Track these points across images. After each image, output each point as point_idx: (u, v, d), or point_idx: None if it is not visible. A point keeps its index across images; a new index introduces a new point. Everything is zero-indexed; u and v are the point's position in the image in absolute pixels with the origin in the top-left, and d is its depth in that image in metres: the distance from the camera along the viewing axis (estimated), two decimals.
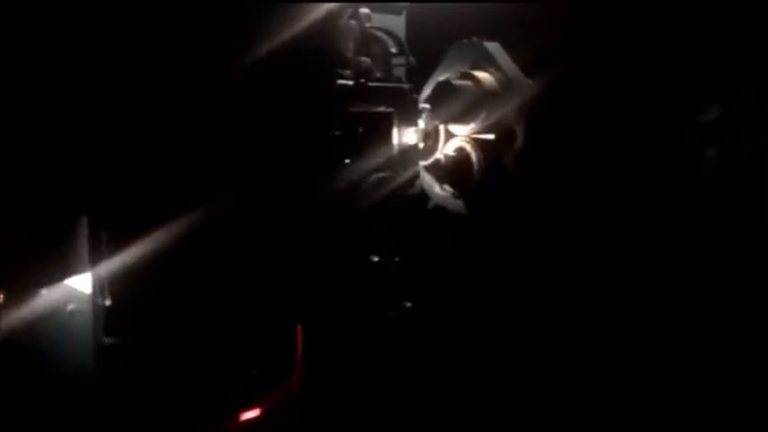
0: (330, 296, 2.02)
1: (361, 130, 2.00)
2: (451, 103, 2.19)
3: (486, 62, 2.27)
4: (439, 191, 2.37)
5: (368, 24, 2.24)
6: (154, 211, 1.65)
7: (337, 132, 1.95)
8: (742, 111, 2.07)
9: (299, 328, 1.98)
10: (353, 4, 2.11)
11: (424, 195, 2.38)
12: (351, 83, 2.00)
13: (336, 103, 1.95)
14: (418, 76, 2.39)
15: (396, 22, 2.47)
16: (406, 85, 2.20)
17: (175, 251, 1.64)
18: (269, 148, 1.86)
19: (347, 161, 2.01)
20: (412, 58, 2.28)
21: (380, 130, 2.07)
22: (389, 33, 2.27)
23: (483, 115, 2.21)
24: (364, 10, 2.25)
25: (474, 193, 2.29)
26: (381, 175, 2.02)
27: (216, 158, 1.76)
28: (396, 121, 2.11)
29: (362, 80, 2.04)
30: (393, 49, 2.26)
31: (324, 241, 1.99)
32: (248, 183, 1.79)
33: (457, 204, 2.37)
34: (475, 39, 2.34)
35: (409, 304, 2.34)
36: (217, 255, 1.77)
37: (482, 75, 2.24)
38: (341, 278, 2.05)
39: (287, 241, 1.92)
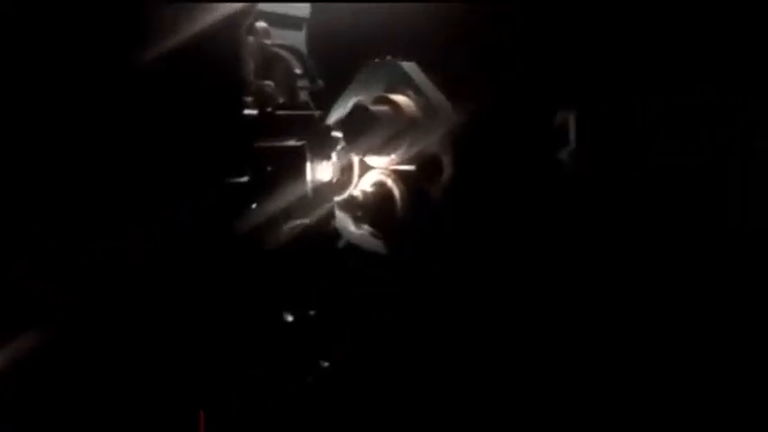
0: (237, 371, 1.66)
1: (269, 168, 1.66)
2: (368, 132, 1.89)
3: (404, 84, 2.01)
4: (354, 229, 2.08)
5: (267, 41, 1.91)
6: None
7: (242, 172, 1.60)
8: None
9: (201, 415, 1.61)
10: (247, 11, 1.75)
11: (336, 234, 2.08)
12: (255, 112, 1.65)
13: (240, 138, 1.60)
14: (321, 97, 2.08)
15: (294, 38, 2.15)
16: (315, 113, 1.88)
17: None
18: (156, 195, 1.48)
19: (254, 206, 1.66)
20: (320, 81, 1.96)
21: (292, 168, 1.74)
22: (292, 51, 1.95)
23: (405, 145, 1.94)
24: (261, 24, 1.91)
25: (396, 231, 2.01)
26: (295, 220, 1.68)
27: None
28: (308, 156, 1.79)
29: (268, 109, 1.70)
30: (297, 70, 1.94)
31: (225, 303, 1.63)
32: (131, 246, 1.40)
33: (376, 244, 2.08)
34: (389, 57, 2.06)
35: (326, 364, 2.04)
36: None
37: (400, 99, 1.97)
38: (248, 347, 1.70)
39: (179, 307, 1.55)
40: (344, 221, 2.08)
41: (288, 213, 1.76)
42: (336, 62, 2.19)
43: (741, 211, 1.91)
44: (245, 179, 1.54)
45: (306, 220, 1.71)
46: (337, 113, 2.12)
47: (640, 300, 1.96)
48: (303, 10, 2.15)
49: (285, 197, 1.74)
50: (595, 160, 2.01)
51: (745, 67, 1.94)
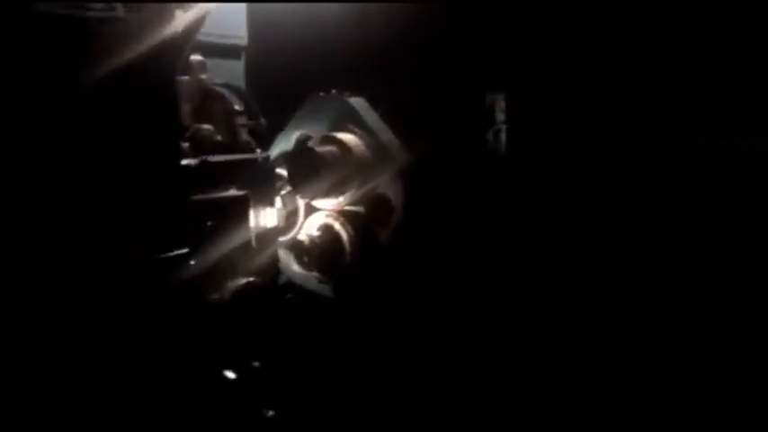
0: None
1: (210, 223, 1.54)
2: (316, 176, 1.78)
3: (351, 121, 1.91)
4: (298, 269, 1.97)
5: (203, 76, 1.77)
6: None
7: (177, 230, 1.47)
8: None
9: None
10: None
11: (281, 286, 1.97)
12: (194, 162, 1.52)
13: (176, 191, 1.47)
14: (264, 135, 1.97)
15: (232, 68, 2.02)
16: (258, 156, 1.76)
17: None
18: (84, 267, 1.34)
19: (192, 262, 1.54)
20: (263, 120, 1.84)
21: (235, 219, 1.62)
22: (231, 87, 1.82)
23: (354, 187, 1.84)
24: (197, 57, 1.77)
25: (344, 275, 1.91)
26: (239, 280, 1.57)
27: None
28: (252, 204, 1.67)
29: (205, 157, 1.57)
30: (237, 107, 1.81)
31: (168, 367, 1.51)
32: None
33: (322, 287, 1.98)
34: (335, 92, 1.96)
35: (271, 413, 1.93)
36: None
37: (348, 138, 1.87)
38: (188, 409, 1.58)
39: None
40: (287, 259, 1.97)
41: (231, 265, 1.64)
42: (278, 93, 2.07)
43: (705, 209, 1.91)
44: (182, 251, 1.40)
45: (251, 278, 1.58)
46: (279, 148, 2.01)
47: (603, 296, 1.94)
48: (243, 39, 2.01)
49: (227, 251, 1.61)
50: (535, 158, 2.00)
51: (712, 65, 1.94)
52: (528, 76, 2.03)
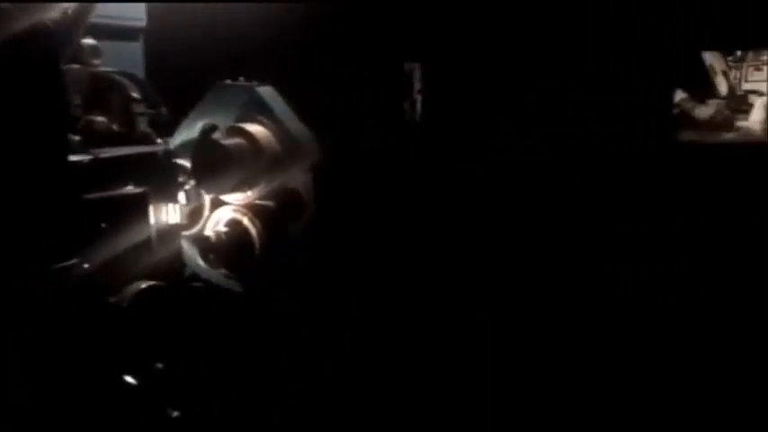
0: None
1: (104, 225, 1.42)
2: (222, 170, 1.69)
3: (259, 111, 1.82)
4: (205, 265, 1.87)
5: (96, 62, 1.64)
6: None
7: (65, 234, 1.35)
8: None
9: None
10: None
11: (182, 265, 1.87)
12: (85, 158, 1.40)
13: (64, 192, 1.35)
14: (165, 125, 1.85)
15: (130, 51, 1.89)
16: (159, 148, 1.64)
17: None
18: None
19: (85, 266, 1.42)
20: (164, 108, 1.73)
21: (132, 219, 1.51)
22: (128, 74, 1.69)
23: (263, 181, 1.76)
24: (89, 41, 1.64)
25: (253, 272, 1.84)
26: (140, 284, 1.46)
27: None
28: (151, 202, 1.56)
29: (99, 152, 1.45)
30: (135, 94, 1.69)
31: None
32: None
33: (230, 283, 1.90)
34: (242, 80, 1.86)
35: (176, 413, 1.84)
36: None
37: (256, 129, 1.78)
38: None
39: None
40: (192, 253, 1.87)
41: (130, 268, 1.53)
42: (181, 79, 1.95)
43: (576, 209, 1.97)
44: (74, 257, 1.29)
45: (152, 282, 1.48)
46: (181, 139, 1.89)
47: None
48: (141, 20, 1.87)
49: (125, 253, 1.50)
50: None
51: (582, 67, 1.99)
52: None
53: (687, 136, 2.57)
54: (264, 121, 1.81)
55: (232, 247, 1.77)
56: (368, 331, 1.92)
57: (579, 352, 1.99)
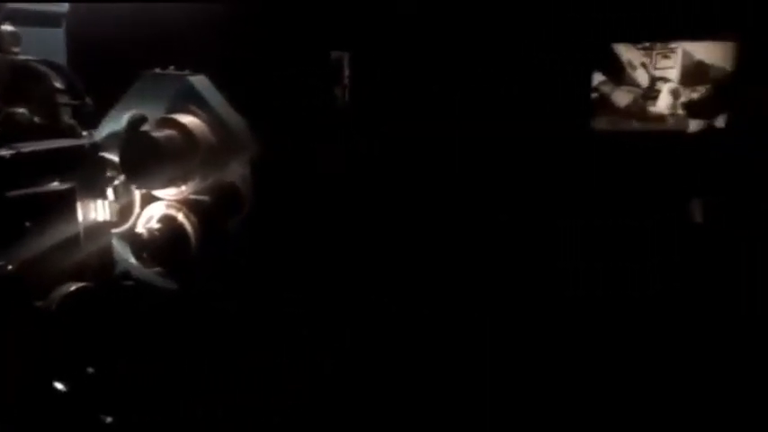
0: None
1: (28, 224, 1.34)
2: (153, 164, 1.62)
3: (192, 101, 1.75)
4: (137, 264, 1.79)
5: (16, 50, 1.54)
6: None
7: None
8: None
9: None
10: None
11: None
12: (6, 153, 1.31)
13: None
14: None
15: (52, 38, 1.78)
16: (85, 142, 1.56)
17: None
18: None
19: (9, 267, 1.34)
20: (88, 99, 1.64)
21: (57, 219, 1.42)
22: (51, 64, 1.59)
23: (198, 175, 1.69)
24: (8, 28, 1.53)
25: (189, 269, 1.77)
26: (68, 286, 1.39)
27: None
28: (78, 199, 1.48)
29: (21, 146, 1.36)
30: (58, 84, 1.60)
31: None
32: None
33: (164, 281, 1.82)
34: (172, 69, 1.78)
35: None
36: None
37: (189, 120, 1.71)
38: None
39: None
40: (123, 251, 1.79)
41: (58, 269, 1.45)
42: (107, 67, 1.86)
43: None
44: None
45: (80, 284, 1.40)
46: (107, 131, 1.80)
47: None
48: (62, 5, 1.77)
49: (51, 253, 1.42)
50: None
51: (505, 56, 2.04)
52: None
53: (603, 123, 2.64)
54: (198, 111, 1.74)
55: (166, 244, 1.69)
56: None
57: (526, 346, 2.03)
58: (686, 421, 1.91)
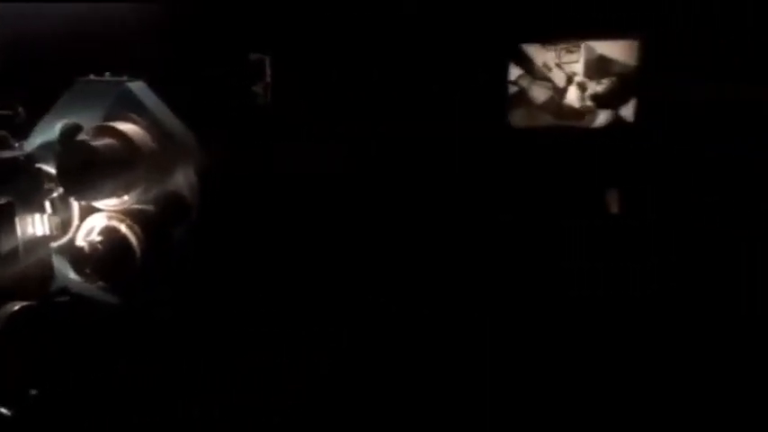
0: None
1: None
2: (92, 175, 1.55)
3: (131, 108, 1.69)
4: (76, 278, 1.72)
5: None
6: None
7: None
8: None
9: None
10: None
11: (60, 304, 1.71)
12: None
13: None
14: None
15: None
16: (20, 153, 1.48)
17: None
18: None
19: None
20: (21, 109, 1.55)
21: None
22: None
23: (140, 185, 1.64)
24: None
25: (133, 281, 1.71)
26: (12, 305, 1.31)
27: None
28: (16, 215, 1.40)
29: None
30: None
31: None
32: None
33: (105, 295, 1.75)
34: (108, 75, 1.72)
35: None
36: None
37: (128, 127, 1.65)
38: None
39: None
40: (60, 264, 1.71)
41: None
42: (36, 74, 1.77)
43: None
44: None
45: (25, 303, 1.33)
46: (39, 141, 1.71)
47: None
48: None
49: None
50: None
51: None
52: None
53: (520, 118, 2.68)
54: (137, 119, 1.68)
55: (109, 256, 1.63)
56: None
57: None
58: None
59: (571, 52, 2.78)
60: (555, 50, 2.75)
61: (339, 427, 1.85)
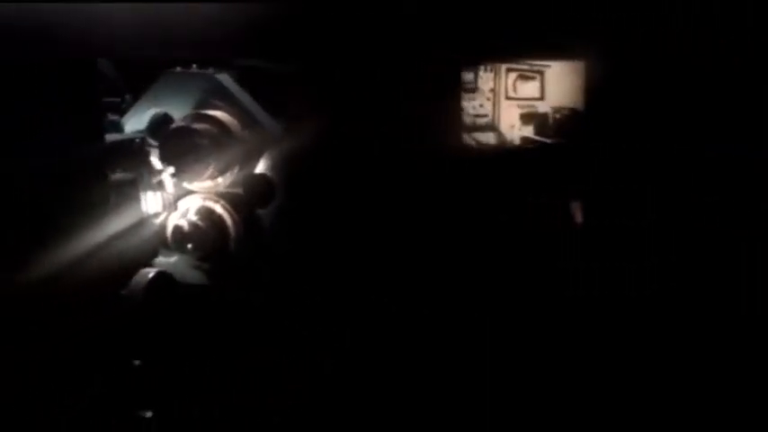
0: None
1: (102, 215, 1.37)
2: (194, 156, 1.67)
3: (220, 98, 1.81)
4: (163, 258, 1.81)
5: None
6: None
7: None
8: None
9: None
10: None
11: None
12: None
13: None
14: None
15: None
16: (137, 136, 1.59)
17: None
18: None
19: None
20: (128, 96, 1.67)
21: (128, 207, 1.45)
22: None
23: (233, 168, 1.76)
24: None
25: (227, 262, 1.82)
26: (147, 271, 1.42)
27: None
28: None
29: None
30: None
31: None
32: None
33: (196, 275, 1.85)
34: (195, 67, 1.84)
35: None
36: None
37: (222, 115, 1.77)
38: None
39: None
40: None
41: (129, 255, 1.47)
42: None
43: None
44: None
45: (158, 269, 1.44)
46: (130, 128, 1.81)
47: None
48: None
49: (124, 240, 1.44)
50: None
51: None
52: None
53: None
54: (226, 107, 1.80)
55: (209, 235, 1.74)
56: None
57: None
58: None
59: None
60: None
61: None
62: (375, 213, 2.06)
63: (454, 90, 2.27)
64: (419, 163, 2.12)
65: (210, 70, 1.84)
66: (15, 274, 1.20)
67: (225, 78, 1.84)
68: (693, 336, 2.12)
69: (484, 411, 1.96)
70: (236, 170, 1.78)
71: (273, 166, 1.84)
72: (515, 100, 2.10)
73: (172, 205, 1.70)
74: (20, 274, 1.21)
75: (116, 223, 1.40)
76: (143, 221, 1.56)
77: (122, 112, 1.67)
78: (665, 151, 2.20)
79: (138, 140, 1.57)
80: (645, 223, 2.31)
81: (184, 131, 1.68)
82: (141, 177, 1.56)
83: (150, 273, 1.44)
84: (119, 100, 1.63)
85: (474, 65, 2.19)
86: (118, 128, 1.62)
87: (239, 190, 1.81)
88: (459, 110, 2.22)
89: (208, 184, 1.77)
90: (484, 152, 2.19)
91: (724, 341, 2.09)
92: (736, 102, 2.13)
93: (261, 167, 1.83)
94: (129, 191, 1.46)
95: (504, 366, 2.05)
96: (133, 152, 1.54)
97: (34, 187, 1.15)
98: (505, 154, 2.17)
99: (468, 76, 2.15)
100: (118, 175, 1.44)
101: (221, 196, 1.79)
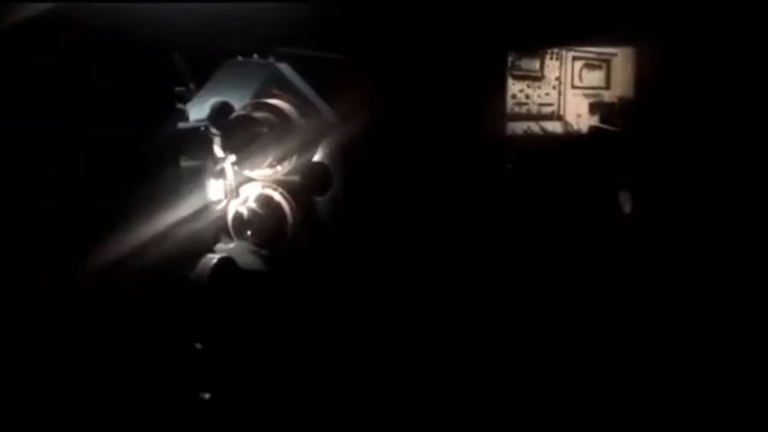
0: None
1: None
2: (256, 145, 1.70)
3: (280, 87, 1.83)
4: (222, 244, 1.85)
5: None
6: None
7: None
8: None
9: None
10: None
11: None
12: None
13: None
14: None
15: None
16: (202, 124, 1.63)
17: None
18: None
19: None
20: (192, 85, 1.70)
21: (194, 193, 1.49)
22: None
23: (293, 155, 1.78)
24: None
25: (286, 249, 1.85)
26: (211, 256, 1.45)
27: None
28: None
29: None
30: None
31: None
32: None
33: (255, 261, 1.88)
34: (256, 56, 1.86)
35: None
36: None
37: (281, 104, 1.80)
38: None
39: None
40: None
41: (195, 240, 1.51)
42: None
43: None
44: None
45: (221, 255, 1.47)
46: (193, 116, 1.84)
47: None
48: None
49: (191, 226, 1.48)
50: None
51: None
52: None
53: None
54: (285, 96, 1.83)
55: (268, 222, 1.77)
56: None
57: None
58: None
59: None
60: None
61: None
62: (429, 202, 2.08)
63: (502, 78, 2.27)
64: (472, 152, 2.13)
65: (271, 59, 1.87)
66: (91, 258, 1.24)
67: (285, 67, 1.86)
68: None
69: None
70: (294, 158, 1.80)
71: (331, 155, 1.86)
72: (581, 89, 2.10)
73: (233, 192, 1.72)
74: (95, 258, 1.25)
75: (185, 209, 1.43)
76: (207, 208, 1.59)
77: (186, 100, 1.69)
78: (723, 142, 2.17)
79: (202, 128, 1.59)
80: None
81: (246, 120, 1.71)
82: (206, 165, 1.59)
83: (214, 258, 1.47)
84: (184, 89, 1.66)
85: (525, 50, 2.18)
86: (183, 117, 1.65)
87: (297, 178, 1.83)
88: (504, 99, 2.23)
89: (267, 171, 1.80)
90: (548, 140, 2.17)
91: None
92: None
93: (319, 156, 1.85)
94: (196, 178, 1.49)
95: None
96: (199, 140, 1.57)
97: (114, 173, 1.19)
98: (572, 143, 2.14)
99: (533, 64, 2.12)
100: (187, 163, 1.47)
101: (280, 184, 1.82)
